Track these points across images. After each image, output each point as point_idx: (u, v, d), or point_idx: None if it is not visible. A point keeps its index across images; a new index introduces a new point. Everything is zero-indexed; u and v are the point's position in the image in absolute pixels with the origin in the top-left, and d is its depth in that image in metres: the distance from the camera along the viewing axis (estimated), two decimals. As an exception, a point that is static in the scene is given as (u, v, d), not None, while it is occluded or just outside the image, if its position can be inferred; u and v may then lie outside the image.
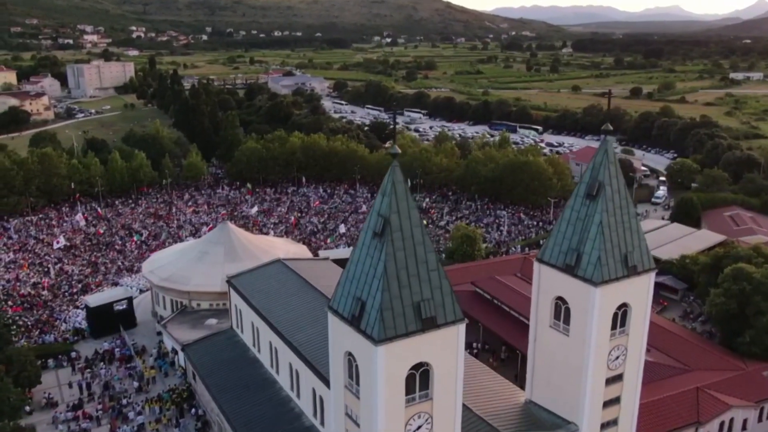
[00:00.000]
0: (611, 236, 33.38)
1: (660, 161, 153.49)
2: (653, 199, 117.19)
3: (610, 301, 33.69)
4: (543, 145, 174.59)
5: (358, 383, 29.18)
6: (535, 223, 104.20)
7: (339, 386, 30.68)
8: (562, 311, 35.17)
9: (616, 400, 36.13)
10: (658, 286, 76.13)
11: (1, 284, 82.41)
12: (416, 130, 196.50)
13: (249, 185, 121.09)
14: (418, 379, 28.60)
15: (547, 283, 35.68)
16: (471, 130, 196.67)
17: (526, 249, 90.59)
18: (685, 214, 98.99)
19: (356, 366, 28.99)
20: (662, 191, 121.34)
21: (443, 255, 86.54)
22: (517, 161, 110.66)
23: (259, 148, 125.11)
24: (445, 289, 28.53)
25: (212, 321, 62.28)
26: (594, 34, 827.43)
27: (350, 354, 29.23)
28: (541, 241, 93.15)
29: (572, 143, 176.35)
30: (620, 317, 34.73)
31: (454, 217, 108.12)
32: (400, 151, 29.32)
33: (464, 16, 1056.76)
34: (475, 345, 63.32)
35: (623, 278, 33.65)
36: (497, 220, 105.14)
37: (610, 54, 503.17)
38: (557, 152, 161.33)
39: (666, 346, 56.28)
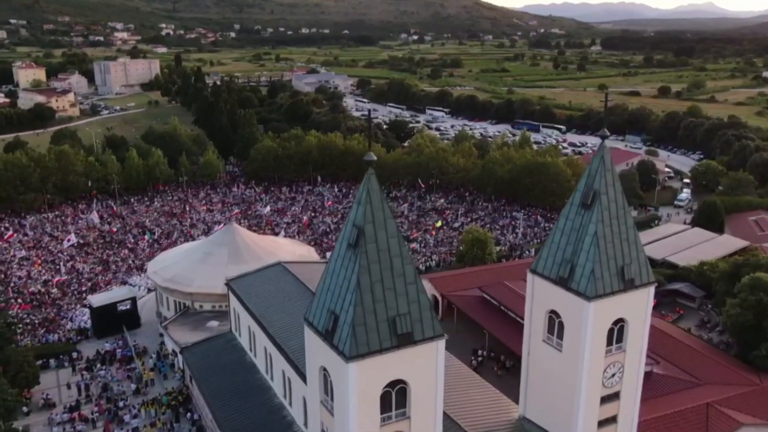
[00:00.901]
0: (606, 248, 31.69)
1: (685, 162, 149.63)
2: (676, 202, 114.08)
3: (605, 316, 32.01)
4: (565, 145, 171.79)
5: (332, 399, 27.99)
6: (551, 225, 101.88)
7: (315, 402, 29.51)
8: (555, 325, 33.58)
9: (612, 420, 34.41)
10: (675, 294, 74.31)
11: (13, 281, 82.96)
12: (437, 129, 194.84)
13: (254, 184, 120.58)
14: (395, 397, 27.31)
15: (541, 296, 34.12)
16: (493, 130, 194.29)
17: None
18: (708, 218, 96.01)
19: (330, 382, 27.79)
20: (686, 194, 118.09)
21: (454, 258, 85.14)
22: (534, 162, 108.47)
23: (275, 146, 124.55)
24: (423, 303, 27.15)
25: (213, 323, 61.64)
26: (624, 32, 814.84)
27: (325, 369, 28.04)
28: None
29: (595, 143, 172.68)
30: (616, 333, 33.01)
31: (469, 219, 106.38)
32: (375, 158, 27.97)
33: (492, 13, 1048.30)
34: (480, 352, 61.85)
35: (619, 292, 31.95)
36: (513, 222, 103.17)
37: (640, 52, 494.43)
38: (579, 152, 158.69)
39: (676, 358, 54.19)
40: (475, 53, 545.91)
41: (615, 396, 33.93)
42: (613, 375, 33.42)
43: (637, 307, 33.05)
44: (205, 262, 67.14)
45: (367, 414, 26.61)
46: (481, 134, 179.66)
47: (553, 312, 33.51)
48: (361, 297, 25.95)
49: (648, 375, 51.34)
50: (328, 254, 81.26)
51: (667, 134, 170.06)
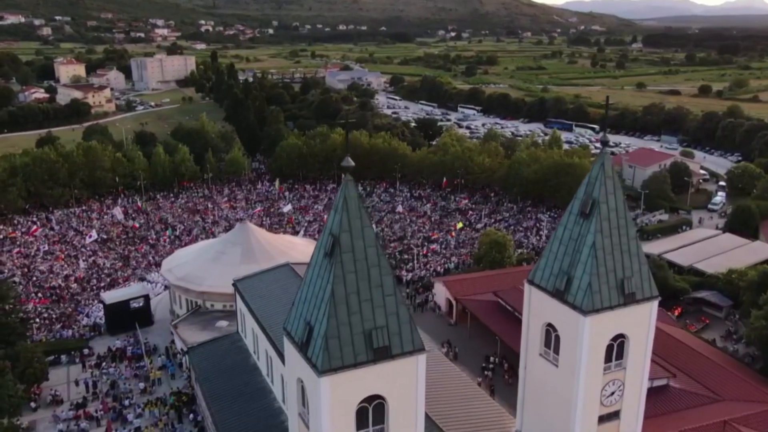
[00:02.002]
0: (605, 260, 29.97)
1: (723, 164, 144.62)
2: (709, 206, 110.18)
3: (603, 332, 30.33)
4: (598, 145, 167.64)
5: (309, 412, 26.99)
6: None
7: (294, 414, 28.57)
8: (552, 339, 32.01)
9: (611, 439, 32.69)
10: (701, 302, 71.53)
11: (35, 275, 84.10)
12: (468, 127, 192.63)
13: (278, 182, 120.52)
14: (372, 413, 26.17)
15: (537, 308, 32.58)
16: (524, 128, 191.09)
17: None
18: (742, 223, 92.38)
19: (306, 394, 26.81)
20: (720, 197, 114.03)
21: (472, 260, 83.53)
22: (561, 163, 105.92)
23: (300, 144, 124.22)
24: (402, 316, 25.92)
25: (223, 323, 61.30)
26: (667, 29, 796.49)
27: (301, 381, 27.06)
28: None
29: (629, 143, 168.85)
30: (616, 349, 31.28)
31: (493, 220, 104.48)
32: (353, 164, 26.73)
33: (531, 10, 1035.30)
34: (492, 359, 60.26)
35: (618, 307, 30.21)
36: (537, 224, 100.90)
37: (683, 50, 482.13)
38: (612, 152, 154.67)
39: (695, 371, 51.88)
40: (512, 50, 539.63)
41: (614, 415, 32.20)
42: (613, 393, 31.71)
43: (639, 322, 31.24)
44: (217, 261, 66.87)
45: (341, 429, 25.54)
46: (512, 133, 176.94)
47: (549, 325, 31.96)
48: (335, 308, 24.87)
49: (663, 389, 49.56)
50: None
51: (704, 135, 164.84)
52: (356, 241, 25.43)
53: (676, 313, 69.08)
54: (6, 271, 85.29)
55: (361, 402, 25.80)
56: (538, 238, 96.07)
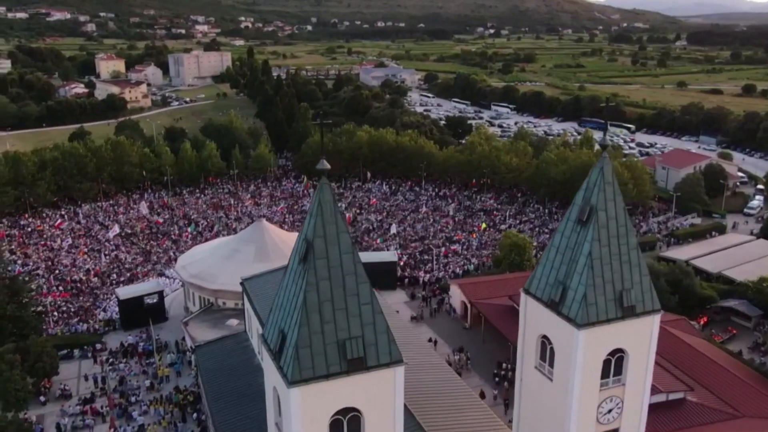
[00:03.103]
0: (603, 270, 28.35)
1: (763, 167, 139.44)
2: (746, 210, 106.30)
3: (599, 346, 28.69)
4: (632, 145, 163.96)
5: (283, 422, 26.09)
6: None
7: (271, 423, 27.73)
8: (547, 352, 30.51)
9: (609, 459, 31.05)
10: (729, 311, 68.72)
11: (58, 269, 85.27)
12: (500, 126, 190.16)
13: (305, 179, 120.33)
14: (346, 426, 25.14)
15: (533, 318, 31.11)
16: (558, 127, 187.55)
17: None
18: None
19: (280, 404, 25.93)
20: (757, 201, 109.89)
21: (492, 263, 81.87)
22: (590, 163, 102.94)
23: (326, 141, 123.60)
24: (379, 326, 24.80)
25: (233, 322, 60.99)
26: (714, 26, 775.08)
27: (276, 389, 26.19)
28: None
29: (666, 144, 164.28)
30: (614, 365, 29.63)
31: (518, 221, 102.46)
32: (329, 166, 25.72)
33: (573, 6, 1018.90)
34: (504, 365, 58.67)
35: (616, 320, 28.55)
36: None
37: (728, 47, 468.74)
38: (647, 153, 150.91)
39: (715, 385, 49.57)
40: (552, 48, 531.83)
41: (612, 434, 30.57)
42: (610, 411, 30.05)
43: (639, 337, 29.50)
44: (231, 259, 66.62)
45: (314, 443, 24.59)
46: (545, 132, 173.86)
47: (545, 337, 30.47)
48: (308, 317, 23.90)
49: (679, 402, 47.48)
50: (360, 254, 79.62)
51: (745, 136, 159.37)
52: (331, 247, 24.44)
53: (702, 323, 66.47)
54: (31, 263, 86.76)
55: (335, 414, 24.80)
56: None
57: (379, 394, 25.16)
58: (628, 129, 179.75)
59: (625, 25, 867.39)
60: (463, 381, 45.19)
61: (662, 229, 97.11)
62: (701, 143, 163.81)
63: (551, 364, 30.29)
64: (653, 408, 46.42)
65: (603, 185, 28.70)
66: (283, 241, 69.37)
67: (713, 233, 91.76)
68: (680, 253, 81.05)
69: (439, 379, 41.23)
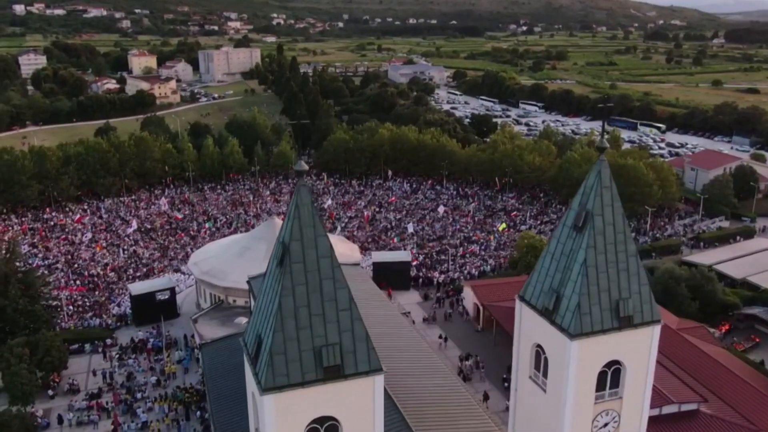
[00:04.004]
0: (598, 278, 27.14)
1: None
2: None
3: (593, 358, 27.51)
4: (662, 145, 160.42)
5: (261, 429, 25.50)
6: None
7: (252, 429, 27.15)
8: (541, 361, 29.40)
9: (606, 474, 29.81)
10: (753, 319, 66.42)
11: (78, 263, 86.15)
12: (527, 124, 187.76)
13: (324, 176, 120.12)
14: (324, 436, 24.44)
15: (528, 327, 29.98)
16: (586, 126, 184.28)
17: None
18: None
19: (257, 411, 25.34)
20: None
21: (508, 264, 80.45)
22: (613, 164, 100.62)
23: (347, 138, 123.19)
24: (358, 333, 24.00)
25: (242, 320, 60.63)
26: (753, 24, 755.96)
27: (254, 395, 25.60)
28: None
29: (697, 144, 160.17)
30: (611, 377, 28.39)
31: (539, 222, 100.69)
32: (306, 167, 24.97)
33: (608, 3, 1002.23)
34: (515, 370, 57.31)
35: (612, 331, 27.33)
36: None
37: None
38: (677, 153, 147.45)
39: (731, 396, 47.69)
40: (585, 45, 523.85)
41: (608, 448, 29.32)
42: (606, 425, 28.83)
43: (637, 349, 28.22)
44: (242, 256, 66.42)
45: (290, 451, 23.91)
46: (572, 131, 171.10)
47: (539, 346, 29.36)
48: (283, 322, 23.21)
49: (692, 414, 45.80)
50: (374, 254, 78.91)
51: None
52: (308, 251, 23.68)
53: (723, 330, 64.33)
54: (51, 257, 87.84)
55: (311, 423, 24.11)
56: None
57: (357, 403, 24.40)
58: (659, 129, 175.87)
59: (661, 22, 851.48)
60: (467, 387, 44.12)
61: (688, 232, 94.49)
62: (734, 144, 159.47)
63: (545, 375, 29.20)
64: (664, 419, 45.20)
65: (600, 189, 27.61)
66: (295, 240, 68.97)
67: (738, 238, 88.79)
68: (704, 257, 78.64)
69: (440, 385, 40.26)
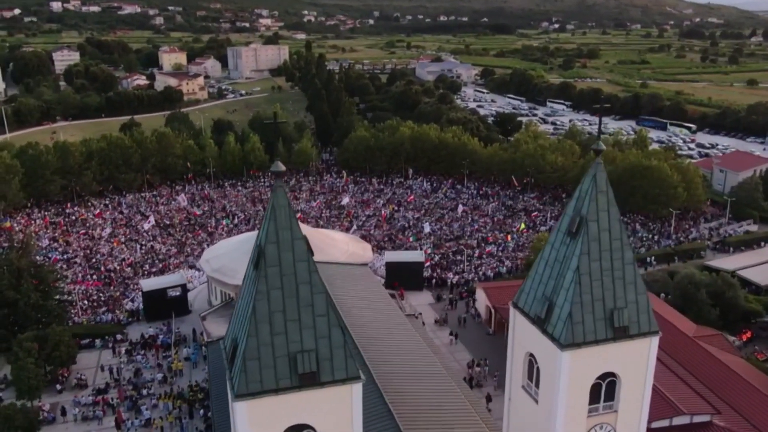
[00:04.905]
0: (592, 287, 26.02)
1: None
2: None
3: (586, 369, 26.40)
4: (692, 145, 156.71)
5: (239, 436, 24.92)
6: (650, 236, 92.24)
7: (232, 434, 26.59)
8: (534, 371, 28.38)
9: (600, 490, 28.64)
10: (776, 327, 64.16)
11: (95, 257, 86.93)
12: (553, 123, 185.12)
13: (344, 173, 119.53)
14: (300, 445, 23.78)
15: (521, 334, 29.03)
16: (614, 126, 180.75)
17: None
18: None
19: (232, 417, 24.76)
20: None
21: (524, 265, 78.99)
22: (638, 165, 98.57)
23: (368, 136, 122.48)
24: (335, 339, 23.27)
25: (250, 318, 60.33)
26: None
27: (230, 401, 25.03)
28: (648, 259, 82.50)
29: (728, 145, 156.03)
30: (605, 389, 27.24)
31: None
32: (283, 168, 24.34)
33: (643, 1, 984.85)
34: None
35: (606, 342, 26.18)
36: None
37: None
38: (706, 154, 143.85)
39: (747, 408, 45.93)
40: (617, 43, 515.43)
41: (603, 463, 28.16)
42: (600, 438, 27.70)
43: (633, 361, 26.98)
44: (253, 254, 66.02)
45: (264, 459, 23.31)
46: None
47: (532, 355, 28.35)
48: (257, 327, 22.62)
49: (704, 426, 44.19)
50: (387, 253, 78.07)
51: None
52: (284, 254, 23.04)
53: (744, 339, 62.21)
54: (71, 251, 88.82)
55: (287, 431, 23.46)
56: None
57: (334, 411, 23.66)
58: (689, 129, 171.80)
59: (697, 20, 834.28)
60: (469, 393, 43.10)
61: (713, 236, 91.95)
62: (767, 145, 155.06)
63: (537, 385, 28.19)
64: (675, 430, 43.65)
65: (596, 194, 26.38)
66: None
67: (762, 243, 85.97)
68: (728, 262, 76.36)
69: (438, 390, 39.34)
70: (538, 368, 27.98)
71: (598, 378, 26.95)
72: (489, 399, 50.93)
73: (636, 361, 27.16)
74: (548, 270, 27.53)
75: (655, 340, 27.25)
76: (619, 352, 26.61)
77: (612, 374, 27.09)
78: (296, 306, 22.98)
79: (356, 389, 23.63)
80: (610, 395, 27.48)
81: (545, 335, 26.69)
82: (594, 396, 27.18)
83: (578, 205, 26.72)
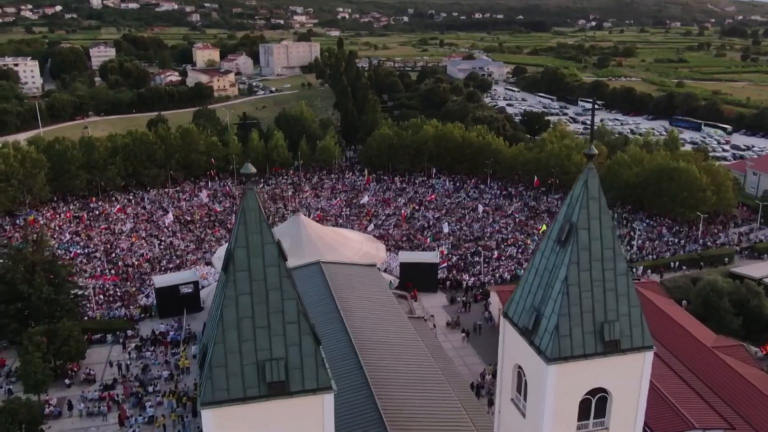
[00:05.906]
0: (581, 298, 24.80)
1: None
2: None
3: (574, 384, 25.21)
4: (727, 147, 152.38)
5: (211, 443, 24.34)
6: (677, 240, 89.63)
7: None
8: (522, 384, 27.27)
9: None
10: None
11: (115, 252, 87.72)
12: (584, 123, 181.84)
13: (366, 172, 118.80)
14: (271, 454, 23.08)
15: (510, 345, 27.87)
16: (647, 126, 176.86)
17: (648, 272, 77.79)
18: None
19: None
20: None
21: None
22: (666, 167, 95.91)
23: (391, 134, 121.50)
24: (306, 347, 22.52)
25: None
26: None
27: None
28: (672, 264, 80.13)
29: (765, 147, 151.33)
30: (595, 405, 26.00)
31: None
32: (254, 170, 23.72)
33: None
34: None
35: (595, 356, 24.96)
36: (631, 233, 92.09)
37: None
38: (741, 156, 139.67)
39: (764, 423, 44.00)
40: (656, 41, 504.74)
41: (594, 482, 26.91)
42: (590, 457, 26.46)
43: (625, 376, 25.69)
44: (265, 252, 65.74)
45: (232, 469, 22.69)
46: (631, 131, 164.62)
47: (520, 368, 27.23)
48: (224, 334, 21.99)
49: (718, 441, 42.48)
50: (401, 254, 77.10)
51: None
52: (254, 258, 22.36)
53: (766, 351, 59.81)
54: (92, 245, 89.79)
55: (256, 441, 22.83)
56: (628, 248, 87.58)
57: (305, 423, 22.93)
58: (724, 130, 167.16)
59: (740, 17, 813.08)
60: (469, 401, 41.99)
61: (743, 241, 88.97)
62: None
63: (525, 398, 27.07)
64: (686, 445, 41.99)
65: (587, 201, 25.12)
66: (319, 237, 68.18)
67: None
68: (755, 269, 73.66)
69: (434, 399, 38.34)
70: (525, 381, 26.87)
71: (588, 394, 25.76)
72: (491, 402, 49.67)
73: (628, 378, 25.88)
74: (537, 279, 26.40)
75: (649, 356, 25.92)
76: (609, 367, 25.38)
77: (603, 390, 25.86)
78: (266, 312, 22.31)
79: (327, 400, 22.87)
80: (601, 412, 26.26)
81: (532, 347, 25.59)
82: (583, 412, 25.99)
83: (568, 212, 25.52)
